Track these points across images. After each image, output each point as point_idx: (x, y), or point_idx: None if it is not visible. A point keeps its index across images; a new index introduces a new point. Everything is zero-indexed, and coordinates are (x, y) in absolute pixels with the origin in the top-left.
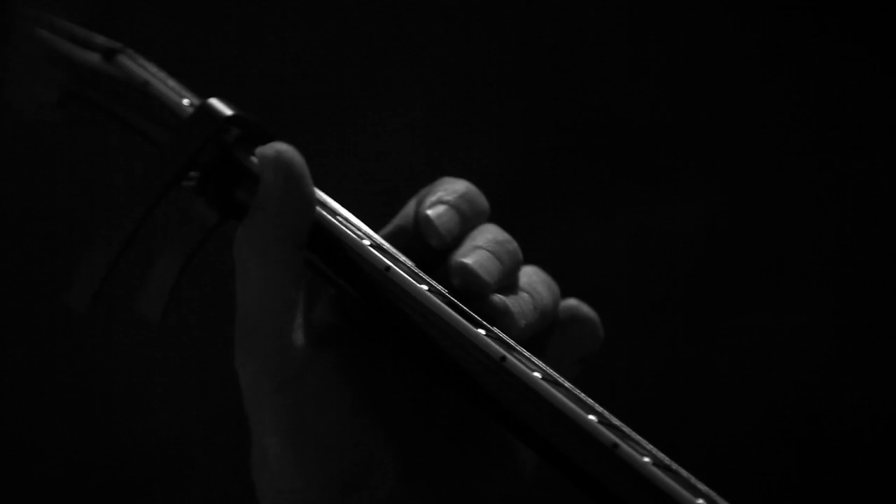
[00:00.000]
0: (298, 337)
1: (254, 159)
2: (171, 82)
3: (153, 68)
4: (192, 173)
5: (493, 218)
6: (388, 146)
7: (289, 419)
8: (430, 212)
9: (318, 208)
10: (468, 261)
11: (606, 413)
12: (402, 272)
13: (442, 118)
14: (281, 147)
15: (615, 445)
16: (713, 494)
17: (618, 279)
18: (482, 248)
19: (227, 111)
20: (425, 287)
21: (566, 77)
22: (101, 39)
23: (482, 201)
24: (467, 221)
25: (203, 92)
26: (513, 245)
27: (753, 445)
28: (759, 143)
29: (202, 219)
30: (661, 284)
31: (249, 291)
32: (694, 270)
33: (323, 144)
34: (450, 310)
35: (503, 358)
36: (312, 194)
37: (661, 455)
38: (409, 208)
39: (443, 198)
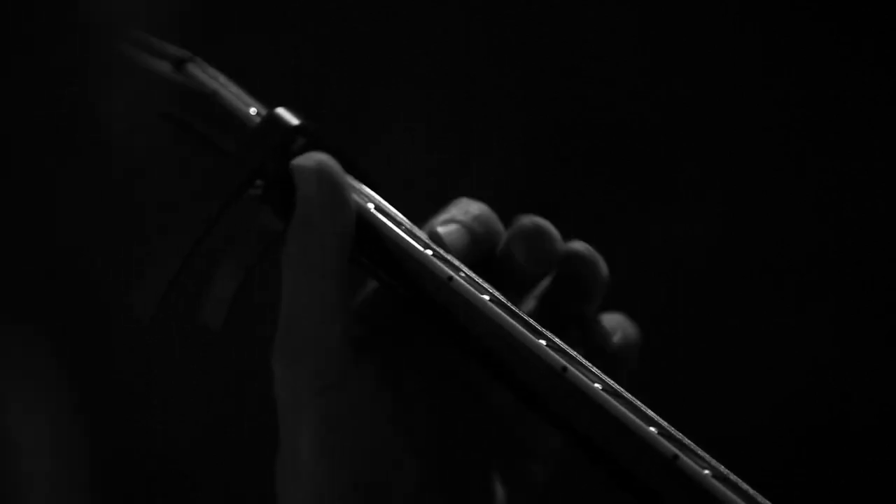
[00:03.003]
0: (342, 343)
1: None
2: (239, 91)
3: (221, 77)
4: (259, 182)
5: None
6: (393, 158)
7: (327, 424)
8: (440, 228)
9: (380, 215)
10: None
11: (666, 424)
12: (464, 282)
13: (444, 128)
14: (320, 157)
15: (675, 457)
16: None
17: (623, 285)
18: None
19: (294, 120)
20: (487, 297)
21: (571, 85)
22: (171, 48)
23: (496, 224)
24: (479, 243)
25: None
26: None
27: (759, 445)
28: (763, 150)
29: (266, 227)
30: (666, 290)
31: (296, 301)
32: (699, 276)
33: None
34: (512, 320)
35: (564, 368)
36: (352, 205)
37: (721, 468)
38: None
39: (455, 216)
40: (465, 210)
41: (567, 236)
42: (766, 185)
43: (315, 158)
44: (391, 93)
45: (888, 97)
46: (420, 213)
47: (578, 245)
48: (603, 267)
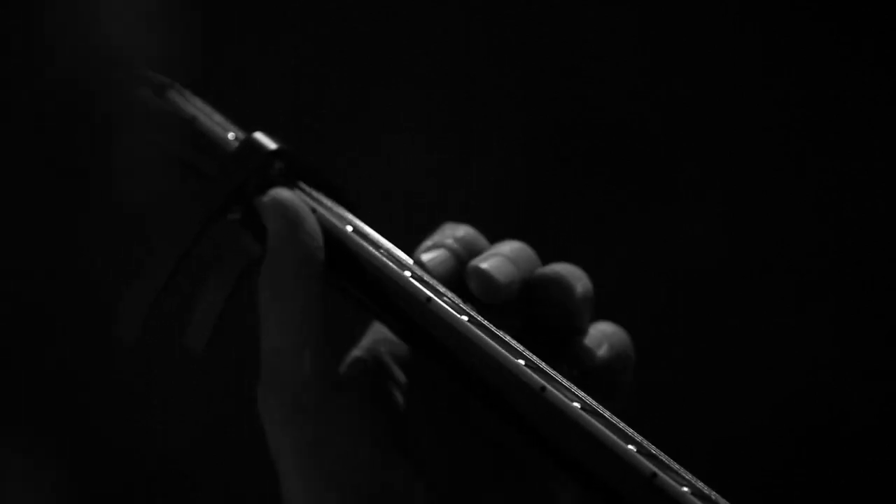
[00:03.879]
0: (317, 372)
1: (296, 192)
2: (218, 117)
3: (200, 103)
4: (238, 206)
5: (500, 232)
6: (392, 159)
7: (304, 451)
8: (424, 255)
9: (357, 237)
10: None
11: (646, 443)
12: (442, 303)
13: (444, 128)
14: (278, 193)
15: (654, 475)
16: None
17: (623, 285)
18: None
19: (272, 145)
20: (466, 318)
21: (571, 85)
22: (152, 75)
23: (482, 245)
24: (464, 266)
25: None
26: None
27: (759, 445)
28: (763, 150)
29: (246, 250)
30: (666, 290)
31: (269, 331)
32: (699, 276)
33: (327, 156)
34: (490, 340)
35: (543, 388)
36: (316, 236)
37: (700, 485)
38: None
39: (439, 241)
40: (451, 234)
41: (567, 237)
42: (766, 185)
43: (272, 194)
44: (391, 93)
45: (888, 97)
46: (421, 215)
47: (550, 270)
48: (579, 287)
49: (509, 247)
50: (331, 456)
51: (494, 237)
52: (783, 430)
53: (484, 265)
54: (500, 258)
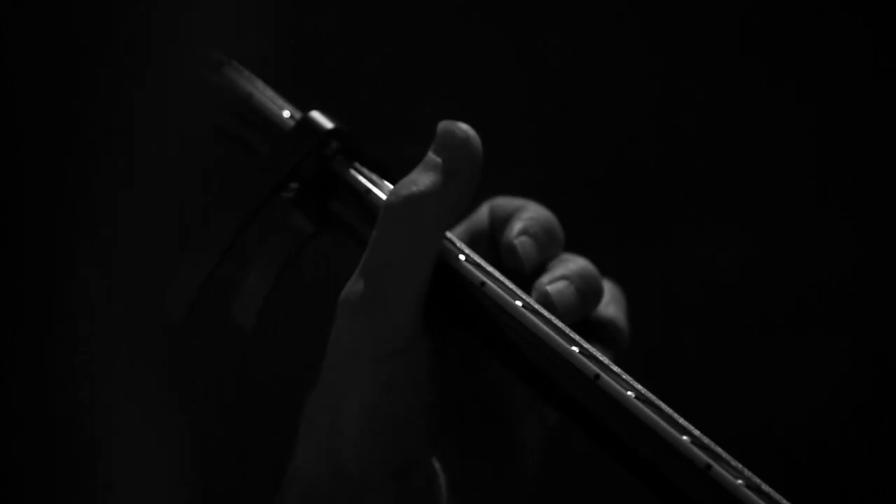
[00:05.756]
0: (418, 309)
1: (353, 172)
2: (273, 95)
3: (256, 81)
4: (292, 184)
5: None
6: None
7: (378, 393)
8: (516, 241)
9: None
10: (550, 289)
11: (699, 434)
12: (497, 288)
13: None
14: (468, 127)
15: (708, 466)
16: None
17: (647, 313)
18: (567, 280)
19: (328, 124)
20: (520, 303)
21: (588, 123)
22: (208, 51)
23: (559, 232)
24: (545, 251)
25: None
26: (597, 281)
27: (774, 465)
28: (781, 179)
29: (298, 230)
30: (680, 318)
31: (387, 253)
32: (714, 303)
33: None
34: (545, 327)
35: (597, 376)
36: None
37: (754, 478)
38: (482, 216)
39: (529, 229)
40: (536, 219)
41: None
42: (784, 214)
43: (462, 126)
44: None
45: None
46: None
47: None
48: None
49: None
50: (396, 401)
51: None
52: (797, 447)
53: (517, 241)
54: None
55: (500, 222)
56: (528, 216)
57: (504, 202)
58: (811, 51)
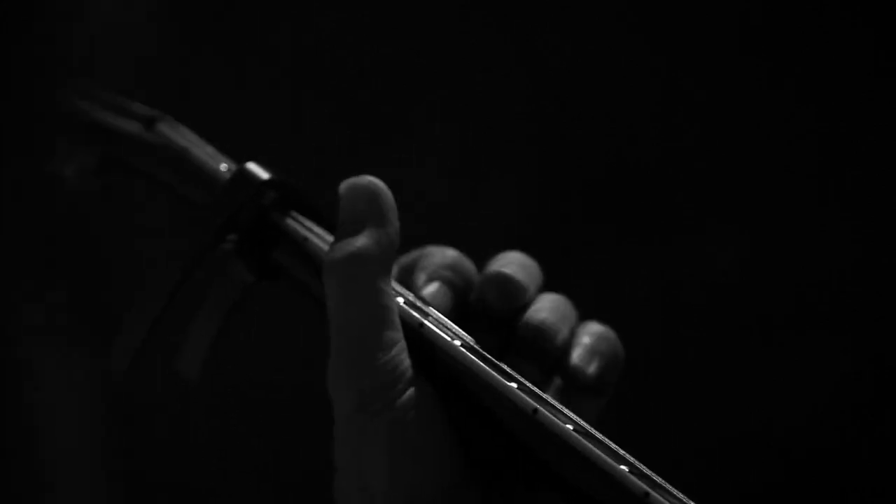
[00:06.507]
0: (402, 356)
1: (290, 221)
2: (209, 148)
3: (191, 135)
4: (231, 235)
5: None
6: (405, 204)
7: (395, 438)
8: (425, 294)
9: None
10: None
11: (638, 463)
12: (434, 328)
13: (459, 162)
14: (370, 178)
15: (646, 494)
16: None
17: (636, 319)
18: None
19: (264, 175)
20: (458, 342)
21: (588, 123)
22: (141, 108)
23: (469, 268)
24: (457, 290)
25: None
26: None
27: (772, 466)
28: (780, 183)
29: (240, 279)
30: (682, 329)
31: (348, 318)
32: (716, 311)
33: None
34: (482, 364)
35: (535, 410)
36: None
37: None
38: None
39: (434, 271)
40: (440, 262)
41: (589, 282)
42: (784, 214)
43: (367, 178)
44: (409, 144)
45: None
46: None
47: (534, 317)
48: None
49: (515, 256)
50: (417, 444)
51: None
52: (797, 447)
53: (505, 269)
54: (515, 265)
55: (407, 274)
56: (429, 263)
57: (407, 256)
58: (811, 51)
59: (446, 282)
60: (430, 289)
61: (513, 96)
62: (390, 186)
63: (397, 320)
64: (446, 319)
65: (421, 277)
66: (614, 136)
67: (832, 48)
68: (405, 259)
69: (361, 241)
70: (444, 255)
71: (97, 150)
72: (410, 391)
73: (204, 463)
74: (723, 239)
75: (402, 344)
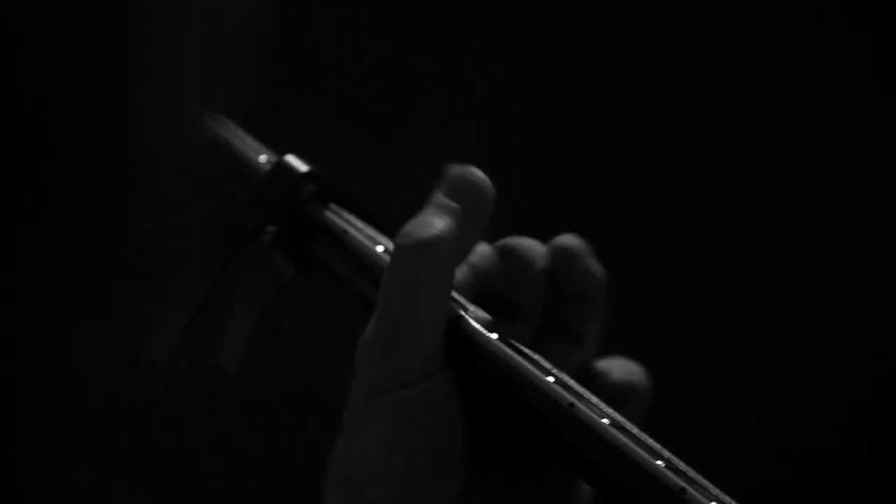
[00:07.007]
0: (440, 337)
1: (328, 213)
2: (250, 140)
3: (234, 127)
4: (270, 228)
5: None
6: (410, 208)
7: (403, 419)
8: (518, 239)
9: (386, 256)
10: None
11: (674, 458)
12: (472, 321)
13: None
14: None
15: (682, 490)
16: None
17: (641, 325)
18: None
19: (303, 167)
20: (495, 335)
21: (588, 123)
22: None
23: (492, 254)
24: (481, 276)
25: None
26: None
27: (775, 464)
28: (783, 186)
29: (278, 272)
30: (686, 332)
31: (401, 296)
32: (721, 313)
33: (350, 182)
34: (519, 358)
35: (572, 405)
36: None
37: (727, 499)
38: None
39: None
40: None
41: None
42: (784, 214)
43: (480, 174)
44: (409, 144)
45: None
46: None
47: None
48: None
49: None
50: (425, 430)
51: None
52: (797, 447)
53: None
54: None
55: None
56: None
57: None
58: (811, 51)
59: (469, 266)
60: (458, 276)
61: (513, 96)
62: (390, 186)
63: (448, 308)
64: (482, 311)
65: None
66: (614, 136)
67: (832, 48)
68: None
69: (443, 225)
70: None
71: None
72: (434, 380)
73: (204, 463)
74: (723, 239)
75: (441, 343)
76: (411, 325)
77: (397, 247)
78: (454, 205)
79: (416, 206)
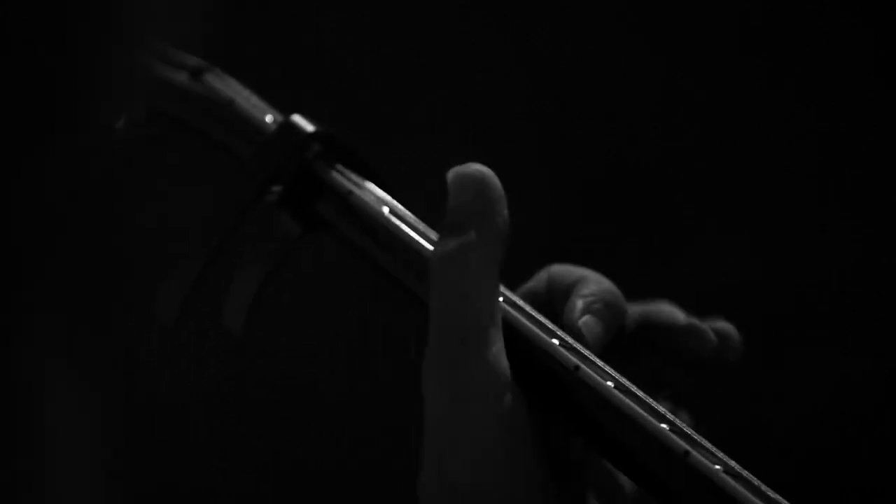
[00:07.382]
0: (501, 346)
1: (335, 174)
2: (256, 100)
3: (239, 86)
4: (276, 187)
5: (527, 273)
6: (408, 191)
7: (496, 426)
8: (580, 324)
9: (393, 218)
10: None
11: (678, 421)
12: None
13: (461, 164)
14: (479, 167)
15: (686, 453)
16: (783, 502)
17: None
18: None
19: (309, 127)
20: (501, 299)
21: (588, 123)
22: (188, 59)
23: (622, 303)
24: (610, 328)
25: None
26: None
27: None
28: (786, 189)
29: (284, 232)
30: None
31: (453, 307)
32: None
33: None
34: (524, 319)
35: (577, 367)
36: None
37: (733, 463)
38: (541, 283)
39: (591, 306)
40: (601, 295)
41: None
42: (784, 215)
43: (474, 167)
44: (409, 144)
45: None
46: None
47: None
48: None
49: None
50: (516, 436)
51: (516, 282)
52: (797, 447)
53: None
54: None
55: (561, 294)
56: (588, 292)
57: (563, 273)
58: (811, 51)
59: (600, 316)
60: (586, 320)
61: (513, 96)
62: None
63: (499, 318)
64: (536, 311)
65: (578, 304)
66: (614, 136)
67: (832, 48)
68: (560, 282)
69: (467, 236)
70: (601, 284)
71: (144, 100)
72: (508, 395)
73: (204, 463)
74: (723, 239)
75: (501, 344)
76: (464, 343)
77: (430, 267)
78: (467, 207)
79: (416, 206)
